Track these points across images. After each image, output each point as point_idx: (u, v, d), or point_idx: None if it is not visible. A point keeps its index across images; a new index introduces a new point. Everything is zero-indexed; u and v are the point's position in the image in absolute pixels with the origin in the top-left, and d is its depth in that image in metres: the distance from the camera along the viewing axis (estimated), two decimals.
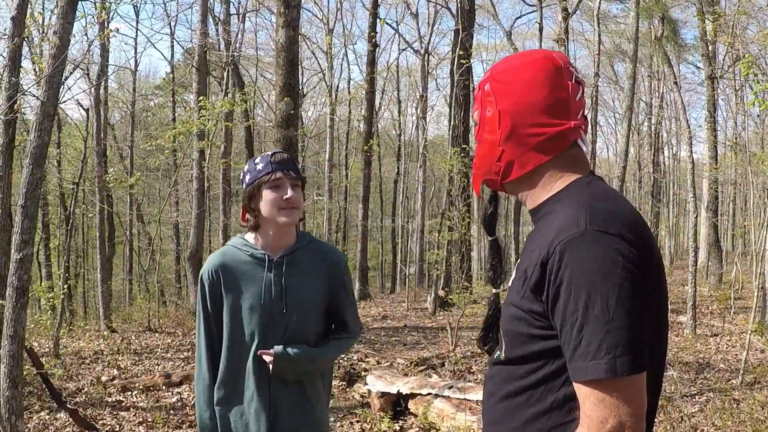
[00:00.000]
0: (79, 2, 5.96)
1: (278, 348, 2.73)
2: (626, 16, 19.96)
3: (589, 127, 2.02)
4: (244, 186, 2.79)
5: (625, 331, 1.43)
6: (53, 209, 24.02)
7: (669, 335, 1.71)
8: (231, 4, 19.79)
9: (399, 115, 35.18)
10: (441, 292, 16.08)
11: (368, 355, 10.07)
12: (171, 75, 28.27)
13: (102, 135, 16.49)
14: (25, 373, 6.26)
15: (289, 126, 8.11)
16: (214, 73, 20.78)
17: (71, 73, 16.60)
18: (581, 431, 1.48)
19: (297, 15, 8.39)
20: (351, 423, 6.97)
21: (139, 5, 29.41)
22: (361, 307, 17.97)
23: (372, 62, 21.67)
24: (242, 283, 2.77)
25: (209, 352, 2.82)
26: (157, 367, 9.84)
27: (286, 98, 8.06)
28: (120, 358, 10.29)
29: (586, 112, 1.78)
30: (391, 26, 29.27)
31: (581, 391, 1.48)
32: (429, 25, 27.66)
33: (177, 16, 35.14)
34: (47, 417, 7.15)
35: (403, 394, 7.03)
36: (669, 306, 1.67)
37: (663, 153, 36.38)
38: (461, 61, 16.53)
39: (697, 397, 7.51)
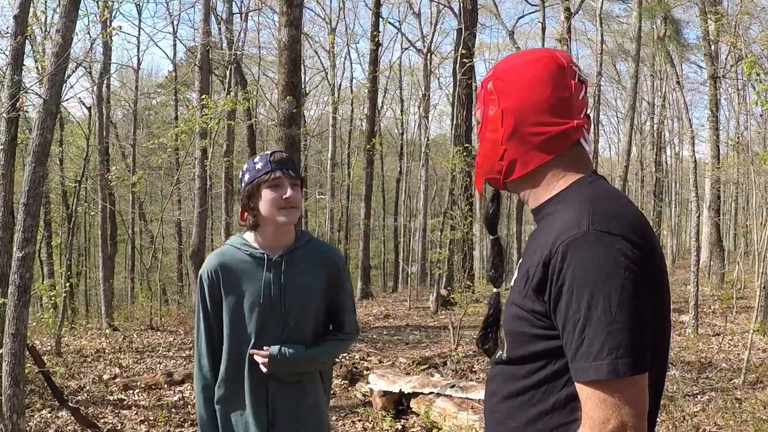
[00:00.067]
0: (82, 0, 5.96)
1: (274, 348, 2.72)
2: (629, 15, 19.92)
3: (592, 126, 2.01)
4: (243, 185, 2.79)
5: (627, 331, 1.43)
6: (55, 207, 24.04)
7: (671, 335, 1.71)
8: (233, 2, 19.86)
9: (401, 114, 35.22)
10: (443, 291, 16.08)
11: (370, 354, 10.07)
12: (173, 73, 28.28)
13: (104, 133, 16.48)
14: (26, 371, 6.26)
15: (292, 125, 8.11)
16: (217, 72, 20.80)
17: (74, 72, 16.68)
18: (583, 431, 1.48)
19: (299, 14, 8.39)
20: (353, 422, 6.97)
21: (141, 4, 29.48)
22: (363, 306, 17.98)
23: (374, 61, 21.66)
24: (241, 282, 2.77)
25: (209, 351, 2.81)
26: (158, 365, 9.85)
27: (288, 97, 8.06)
28: (122, 357, 10.29)
29: (588, 111, 1.77)
30: (393, 25, 29.30)
31: (583, 391, 1.48)
32: (431, 24, 27.64)
33: (179, 14, 35.17)
34: (49, 415, 7.16)
35: (405, 393, 7.03)
36: (671, 306, 1.67)
37: (665, 152, 36.42)
38: (464, 60, 16.51)
39: (699, 396, 7.50)
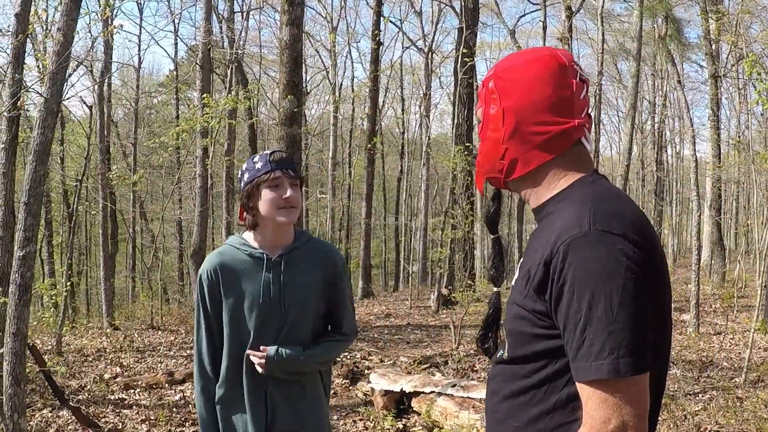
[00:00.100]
0: None
1: (271, 349, 2.72)
2: (630, 14, 19.92)
3: (593, 125, 2.02)
4: (242, 185, 2.79)
5: (628, 331, 1.43)
6: (56, 206, 24.06)
7: (672, 334, 1.71)
8: (235, 1, 19.85)
9: (402, 113, 35.20)
10: (444, 291, 16.07)
11: (371, 354, 10.07)
12: (174, 72, 28.28)
13: (105, 132, 16.50)
14: (27, 370, 6.26)
15: (293, 124, 8.11)
16: (218, 71, 20.80)
17: (75, 70, 16.71)
18: (584, 431, 1.48)
19: (301, 13, 8.39)
20: (354, 421, 6.97)
21: (142, 2, 29.48)
22: (364, 305, 17.98)
23: (375, 60, 21.65)
24: (241, 282, 2.77)
25: (209, 351, 2.81)
26: (159, 364, 9.85)
27: (289, 96, 8.06)
28: (123, 356, 10.29)
29: (589, 110, 1.77)
30: (394, 24, 29.23)
31: (584, 391, 1.48)
32: (433, 23, 27.61)
33: (181, 13, 35.12)
34: (50, 415, 7.16)
35: (407, 392, 7.03)
36: (672, 305, 1.66)
37: (666, 151, 36.45)
38: (465, 59, 16.50)
39: (700, 395, 7.50)
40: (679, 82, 14.33)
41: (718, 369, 8.70)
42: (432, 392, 6.80)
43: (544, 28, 18.48)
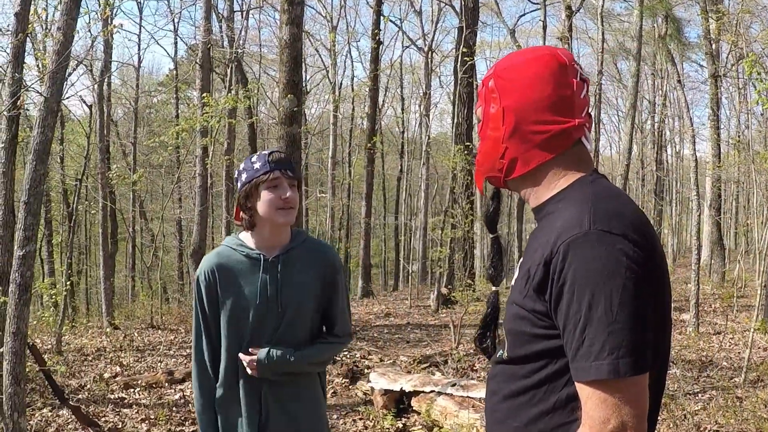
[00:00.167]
0: None
1: (262, 352, 2.72)
2: (630, 14, 19.91)
3: (593, 125, 2.01)
4: (239, 185, 2.77)
5: (628, 331, 1.43)
6: (56, 206, 24.06)
7: (672, 333, 1.71)
8: (235, 0, 19.81)
9: (402, 113, 35.20)
10: (444, 290, 16.07)
11: (371, 353, 10.07)
12: (174, 72, 28.28)
13: (105, 131, 16.49)
14: (27, 369, 6.26)
15: (293, 123, 8.10)
16: (218, 70, 20.78)
17: (74, 70, 16.71)
18: (583, 431, 1.48)
19: (301, 12, 8.38)
20: (354, 420, 6.97)
21: (142, 1, 29.49)
22: (363, 304, 17.98)
23: (375, 59, 21.65)
24: (238, 283, 2.76)
25: (208, 351, 2.81)
26: (159, 364, 9.85)
27: (289, 95, 8.06)
28: (122, 355, 10.29)
29: (589, 109, 1.77)
30: (394, 23, 29.23)
31: (583, 391, 1.48)
32: (433, 22, 27.58)
33: (180, 12, 34.93)
34: (50, 414, 7.16)
35: (406, 391, 7.03)
36: (672, 304, 1.66)
37: (666, 151, 36.46)
38: (465, 58, 16.50)
39: (700, 394, 7.50)
40: (679, 81, 14.32)
41: (717, 369, 8.70)
42: (432, 391, 6.80)
43: (544, 28, 18.48)
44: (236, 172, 2.81)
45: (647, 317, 1.46)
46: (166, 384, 8.44)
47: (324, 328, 2.96)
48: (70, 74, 14.50)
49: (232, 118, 15.96)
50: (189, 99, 27.83)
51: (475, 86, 17.34)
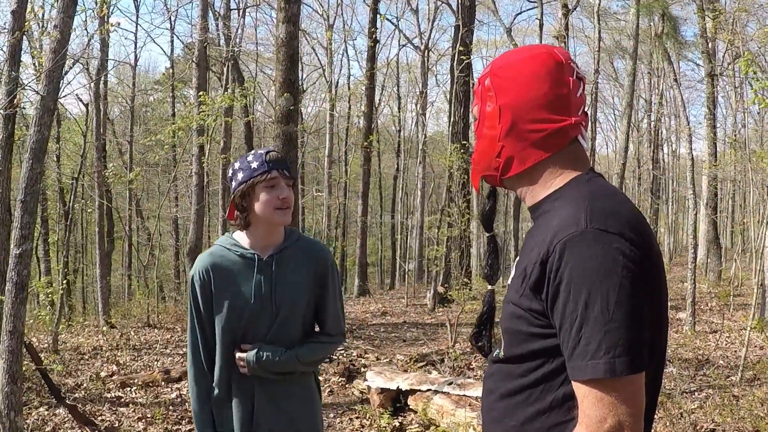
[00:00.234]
0: None
1: (251, 354, 2.72)
2: (626, 12, 19.94)
3: (589, 123, 2.01)
4: (234, 184, 2.74)
5: (625, 330, 1.42)
6: (52, 204, 24.00)
7: (668, 332, 1.71)
8: None
9: (399, 111, 35.13)
10: (440, 289, 16.07)
11: (368, 351, 10.08)
12: (171, 70, 28.20)
13: (101, 130, 16.47)
14: (24, 368, 6.25)
15: (289, 122, 8.11)
16: (214, 69, 20.75)
17: (71, 68, 16.65)
18: (580, 430, 1.48)
19: (297, 10, 8.38)
20: (350, 419, 6.97)
21: (139, 0, 29.40)
22: (360, 303, 17.98)
23: (372, 58, 21.65)
24: (232, 282, 2.76)
25: (203, 351, 2.81)
26: (156, 362, 9.84)
27: (285, 94, 8.06)
28: (119, 354, 10.28)
29: (586, 108, 1.77)
30: (391, 22, 29.18)
31: (580, 390, 1.48)
32: (429, 21, 27.56)
33: (177, 10, 34.92)
34: (46, 413, 7.15)
35: (403, 390, 7.03)
36: (668, 303, 1.67)
37: (662, 150, 36.50)
38: (461, 57, 16.50)
39: (696, 393, 7.52)
40: (675, 80, 14.35)
41: (714, 367, 8.71)
42: (428, 390, 6.80)
43: (541, 26, 18.46)
44: (230, 171, 2.78)
45: (644, 316, 1.46)
46: (163, 383, 8.44)
47: (317, 327, 2.96)
48: (66, 72, 14.45)
49: (229, 117, 15.94)
50: (185, 97, 27.83)
51: (471, 85, 17.33)
